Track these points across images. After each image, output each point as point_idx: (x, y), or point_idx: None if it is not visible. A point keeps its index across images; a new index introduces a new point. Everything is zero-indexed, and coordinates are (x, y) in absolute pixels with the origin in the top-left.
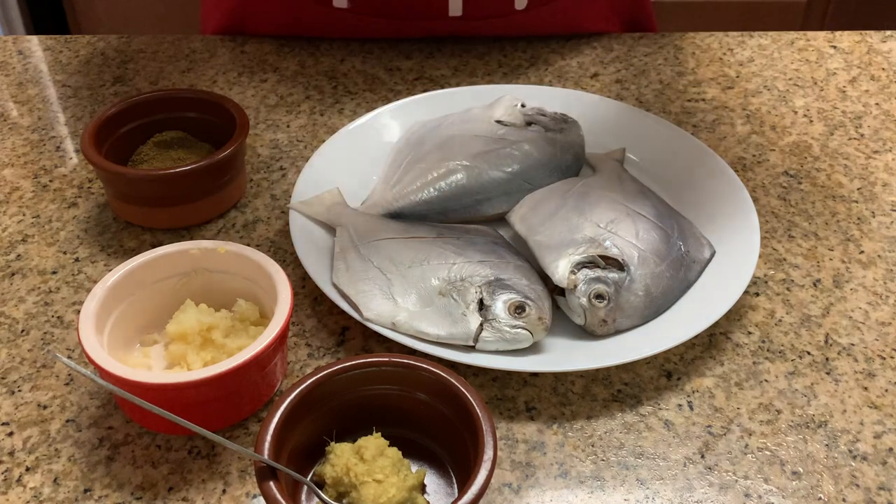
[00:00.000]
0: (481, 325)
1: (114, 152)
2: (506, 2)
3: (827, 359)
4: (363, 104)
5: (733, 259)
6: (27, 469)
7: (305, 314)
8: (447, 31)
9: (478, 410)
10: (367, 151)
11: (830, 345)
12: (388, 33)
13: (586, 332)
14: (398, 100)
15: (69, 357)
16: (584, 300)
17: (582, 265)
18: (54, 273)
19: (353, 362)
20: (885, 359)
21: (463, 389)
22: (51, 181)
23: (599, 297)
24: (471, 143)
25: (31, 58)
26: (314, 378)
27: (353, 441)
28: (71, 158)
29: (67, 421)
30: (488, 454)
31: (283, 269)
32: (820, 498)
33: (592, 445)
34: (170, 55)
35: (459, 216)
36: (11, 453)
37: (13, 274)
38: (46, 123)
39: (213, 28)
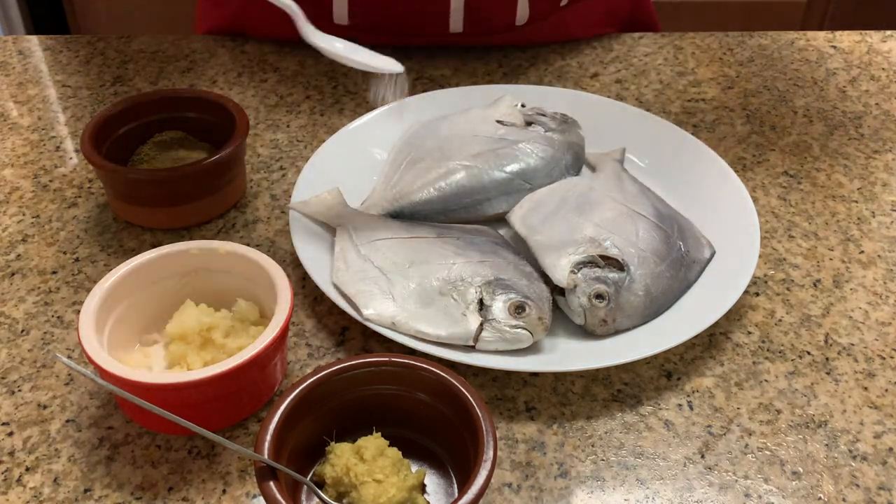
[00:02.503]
0: (481, 325)
1: (114, 152)
2: (506, 18)
3: (827, 359)
4: (363, 104)
5: (733, 259)
6: (27, 469)
7: (305, 314)
8: (448, 45)
9: (478, 410)
10: (367, 151)
11: (830, 345)
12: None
13: (586, 332)
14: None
15: (69, 357)
16: (584, 300)
17: (582, 265)
18: (54, 273)
19: (353, 362)
20: (885, 359)
21: (463, 389)
22: (51, 181)
23: (599, 296)
24: (471, 143)
25: (31, 58)
26: (314, 378)
27: (353, 441)
28: (71, 158)
29: (67, 421)
30: (488, 454)
31: (283, 269)
32: (820, 498)
33: (592, 445)
34: (170, 55)
35: (459, 216)
36: (11, 453)
37: (13, 274)
38: (46, 123)
39: (207, 28)
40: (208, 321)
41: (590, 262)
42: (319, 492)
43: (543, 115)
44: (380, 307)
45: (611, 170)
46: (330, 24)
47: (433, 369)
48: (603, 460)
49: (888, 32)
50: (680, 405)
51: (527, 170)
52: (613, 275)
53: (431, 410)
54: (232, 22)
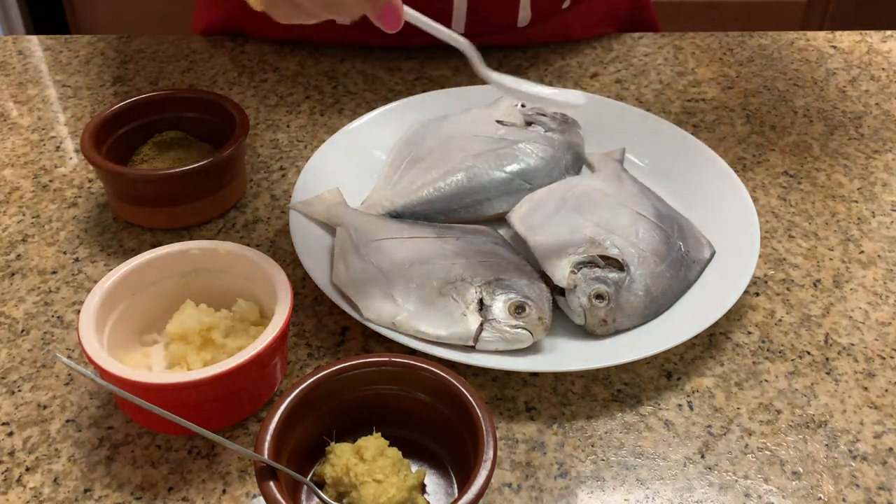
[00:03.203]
0: (481, 325)
1: (114, 152)
2: (508, 19)
3: (827, 359)
4: (363, 104)
5: (733, 259)
6: (27, 469)
7: (305, 314)
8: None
9: (478, 410)
10: (367, 151)
11: (830, 345)
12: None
13: (586, 332)
14: (398, 100)
15: (69, 357)
16: (584, 300)
17: (582, 265)
18: (54, 273)
19: (353, 362)
20: (885, 359)
21: (463, 389)
22: (51, 181)
23: (599, 297)
24: (471, 143)
25: (31, 58)
26: (314, 378)
27: (353, 441)
28: (71, 158)
29: (67, 421)
30: (488, 454)
31: (283, 269)
32: (820, 498)
33: (592, 445)
34: (170, 55)
35: (459, 216)
36: (11, 453)
37: (13, 274)
38: (46, 123)
39: (205, 27)
40: (208, 321)
41: (590, 262)
42: (319, 492)
43: (543, 115)
44: (380, 307)
45: (611, 170)
46: (331, 23)
47: (433, 369)
48: (603, 460)
49: (888, 32)
50: (680, 405)
51: (527, 170)
52: (613, 275)
53: (431, 410)
54: (229, 20)
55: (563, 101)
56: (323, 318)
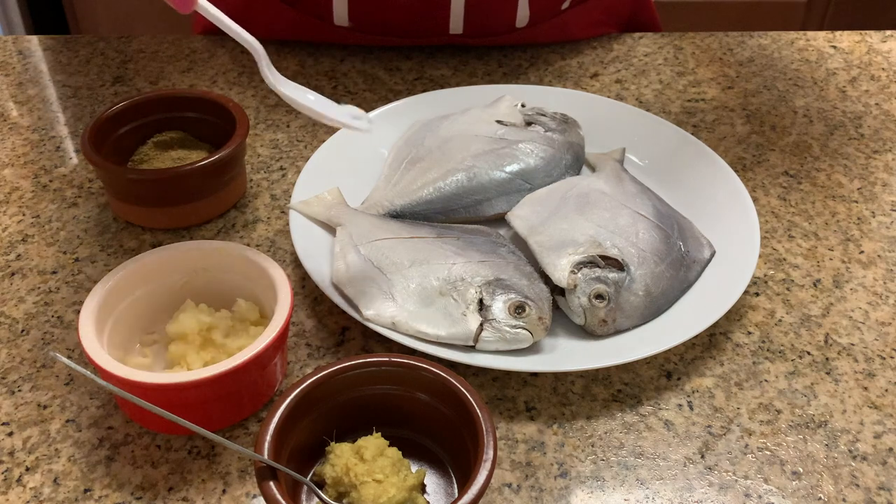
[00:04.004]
0: (481, 325)
1: (114, 152)
2: (506, 20)
3: (827, 359)
4: (363, 104)
5: (733, 259)
6: (27, 469)
7: (305, 314)
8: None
9: (478, 410)
10: (367, 151)
11: (830, 345)
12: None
13: (586, 332)
14: (398, 100)
15: (69, 357)
16: (584, 300)
17: (582, 265)
18: (54, 273)
19: (353, 362)
20: (885, 359)
21: (463, 389)
22: (51, 181)
23: (599, 296)
24: (471, 143)
25: (31, 58)
26: (314, 378)
27: (353, 441)
28: (71, 158)
29: (67, 421)
30: (488, 454)
31: (283, 269)
32: (820, 498)
33: (592, 445)
34: (170, 55)
35: (459, 216)
36: (11, 453)
37: (13, 274)
38: (46, 123)
39: (204, 26)
40: (208, 321)
41: (590, 262)
42: (319, 492)
43: (543, 115)
44: (380, 307)
45: (611, 170)
46: (331, 25)
47: (433, 369)
48: (603, 460)
49: (888, 32)
50: (680, 405)
51: (527, 170)
52: (613, 275)
53: (431, 410)
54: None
55: (343, 123)
56: (323, 318)
